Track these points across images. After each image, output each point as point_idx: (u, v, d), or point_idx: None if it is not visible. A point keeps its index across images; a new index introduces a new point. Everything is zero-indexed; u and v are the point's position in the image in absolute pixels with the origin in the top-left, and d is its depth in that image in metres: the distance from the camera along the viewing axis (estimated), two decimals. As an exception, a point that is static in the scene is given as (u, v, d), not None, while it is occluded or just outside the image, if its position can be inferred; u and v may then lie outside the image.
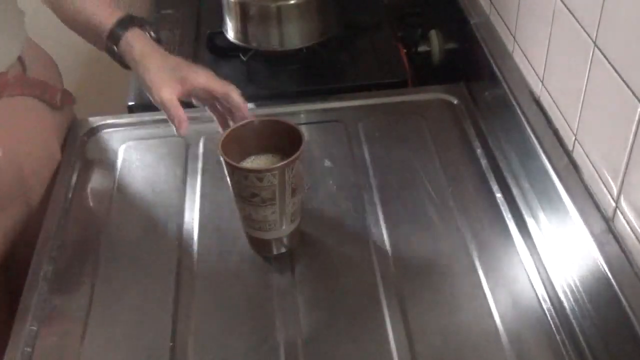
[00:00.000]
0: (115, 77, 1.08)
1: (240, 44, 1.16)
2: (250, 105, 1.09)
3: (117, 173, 0.96)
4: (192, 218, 0.88)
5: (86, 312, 0.78)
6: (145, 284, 0.81)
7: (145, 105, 1.10)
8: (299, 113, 1.07)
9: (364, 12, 1.31)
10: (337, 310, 0.77)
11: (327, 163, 0.96)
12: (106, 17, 0.88)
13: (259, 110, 1.08)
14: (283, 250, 0.82)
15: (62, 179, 0.95)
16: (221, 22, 1.18)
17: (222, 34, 1.18)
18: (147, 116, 1.06)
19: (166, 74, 0.84)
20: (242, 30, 1.15)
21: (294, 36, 1.14)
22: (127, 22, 0.88)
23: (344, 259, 0.82)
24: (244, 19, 1.13)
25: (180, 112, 0.83)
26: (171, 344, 0.74)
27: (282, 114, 1.06)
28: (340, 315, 0.76)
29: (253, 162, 0.79)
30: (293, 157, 0.74)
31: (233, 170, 0.75)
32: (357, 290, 0.79)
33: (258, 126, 0.81)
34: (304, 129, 0.78)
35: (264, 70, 1.18)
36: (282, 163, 0.74)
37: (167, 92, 0.83)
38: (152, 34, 0.90)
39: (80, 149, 1.01)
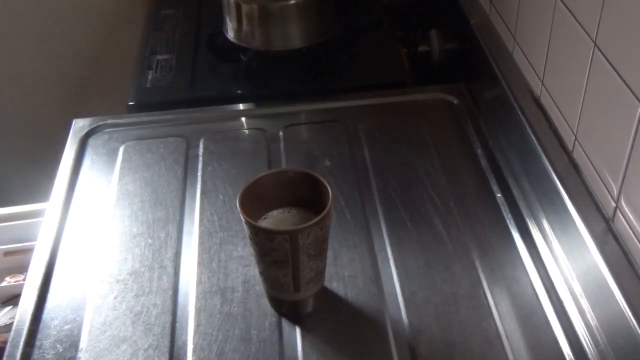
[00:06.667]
0: (115, 77, 1.08)
1: (241, 44, 1.16)
2: (251, 105, 1.10)
3: (117, 173, 0.96)
4: (192, 218, 0.89)
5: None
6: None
7: (145, 105, 1.11)
8: (299, 113, 1.07)
9: (364, 12, 1.31)
10: (339, 310, 0.77)
11: (327, 163, 0.96)
12: None
13: (260, 110, 1.08)
14: (296, 313, 0.77)
15: (62, 179, 0.95)
16: (221, 22, 1.18)
17: (222, 34, 1.18)
18: (147, 116, 1.07)
19: None
20: (242, 30, 1.15)
21: (294, 36, 1.14)
22: None
23: (343, 259, 0.82)
24: (244, 19, 1.13)
25: None
26: None
27: (282, 114, 1.06)
28: (341, 309, 0.77)
29: (282, 214, 0.74)
30: (309, 223, 0.67)
31: (245, 222, 0.69)
32: (356, 290, 0.79)
33: (291, 177, 0.74)
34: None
35: (264, 70, 1.18)
36: (294, 227, 0.68)
37: None
38: None
39: (80, 149, 1.01)
